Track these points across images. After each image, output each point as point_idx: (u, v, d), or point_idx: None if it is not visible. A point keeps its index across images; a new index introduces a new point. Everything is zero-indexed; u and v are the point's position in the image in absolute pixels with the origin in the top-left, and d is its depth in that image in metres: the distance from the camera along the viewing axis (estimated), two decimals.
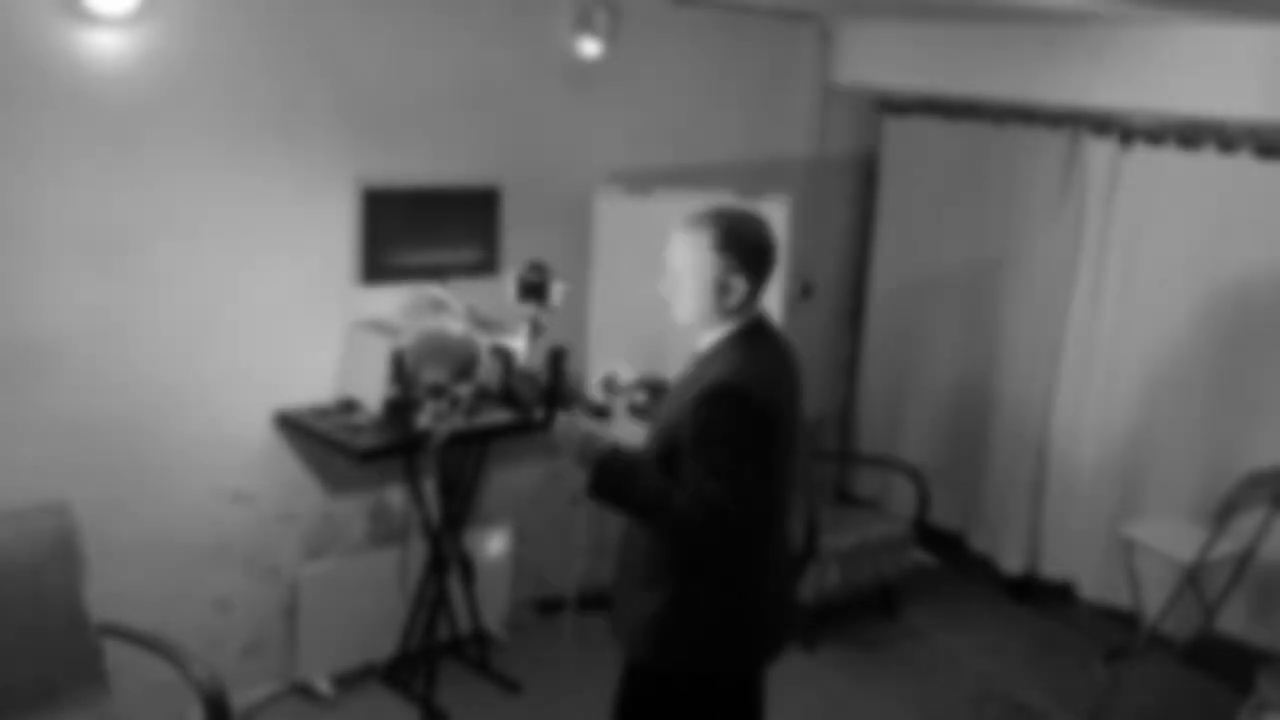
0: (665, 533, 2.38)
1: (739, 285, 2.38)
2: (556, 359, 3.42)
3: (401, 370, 3.68)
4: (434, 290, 3.63)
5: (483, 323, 3.32)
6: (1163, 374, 4.42)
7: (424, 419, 2.99)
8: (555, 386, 3.40)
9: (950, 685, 4.35)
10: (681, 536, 2.36)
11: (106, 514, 3.37)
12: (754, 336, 2.43)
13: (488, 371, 3.39)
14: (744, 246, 2.38)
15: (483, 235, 4.08)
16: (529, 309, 3.04)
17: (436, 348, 3.02)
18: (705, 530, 2.28)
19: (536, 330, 3.05)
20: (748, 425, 2.30)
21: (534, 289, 3.09)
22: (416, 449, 3.57)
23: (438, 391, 2.93)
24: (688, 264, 2.40)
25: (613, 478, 2.38)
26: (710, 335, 2.44)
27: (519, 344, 3.14)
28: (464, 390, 3.10)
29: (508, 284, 3.39)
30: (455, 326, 3.05)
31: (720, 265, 2.37)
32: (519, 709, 3.98)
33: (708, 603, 2.43)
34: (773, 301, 4.26)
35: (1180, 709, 4.21)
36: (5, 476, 3.16)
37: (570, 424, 2.50)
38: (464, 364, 3.04)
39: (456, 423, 3.23)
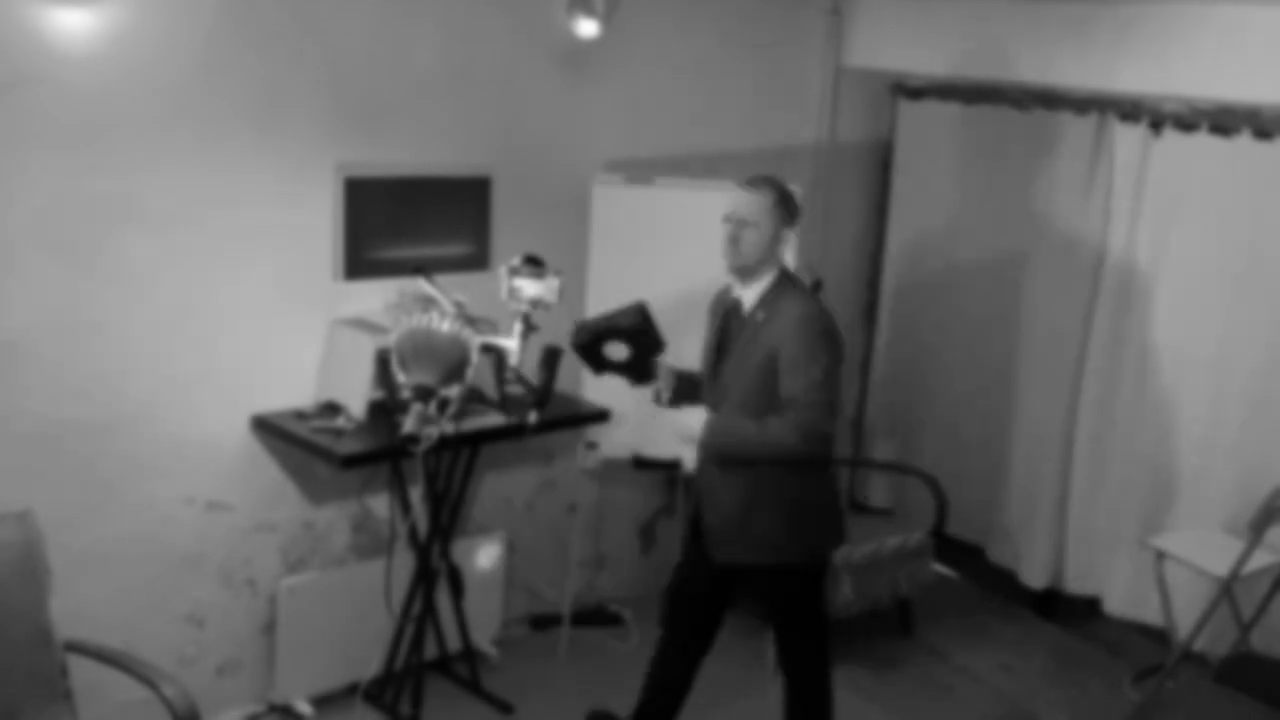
0: (782, 455, 3.13)
1: (786, 239, 3.24)
2: (551, 358, 3.41)
3: (387, 371, 3.67)
4: (422, 285, 3.62)
5: (473, 320, 3.31)
6: (1193, 375, 4.41)
7: (410, 423, 2.97)
8: (549, 387, 3.39)
9: (970, 705, 4.35)
10: (796, 451, 3.11)
11: (73, 523, 3.36)
12: (794, 278, 3.30)
13: (479, 372, 3.38)
14: (793, 207, 3.27)
15: (473, 228, 4.08)
16: (522, 305, 3.02)
17: (423, 347, 3.01)
18: (811, 441, 3.10)
19: (529, 328, 3.03)
20: (833, 338, 3.17)
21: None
22: (402, 454, 3.57)
23: (425, 394, 2.91)
24: (754, 217, 3.19)
25: (720, 435, 3.20)
26: (757, 284, 3.23)
27: (511, 343, 3.13)
28: (453, 392, 3.09)
29: (500, 278, 3.38)
30: (444, 325, 3.04)
31: (779, 220, 3.21)
32: None
33: (810, 501, 3.29)
34: None
35: None
36: None
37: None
38: (454, 365, 3.03)
39: (445, 427, 3.23)
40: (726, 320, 3.32)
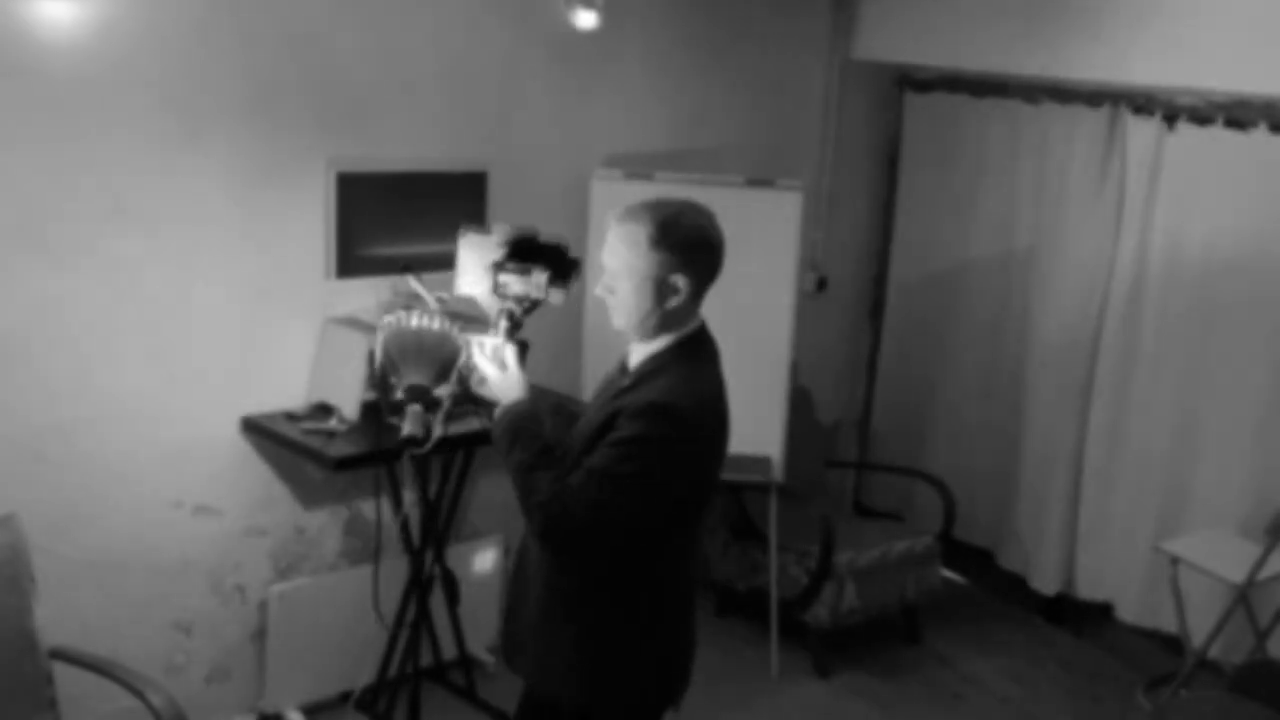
0: (524, 508, 2.40)
1: (681, 287, 2.37)
2: (521, 352, 3.35)
3: (383, 372, 3.66)
4: (410, 281, 3.63)
5: (456, 317, 3.30)
6: (1209, 377, 4.41)
7: (409, 425, 2.95)
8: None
9: (978, 714, 4.35)
10: (532, 517, 2.36)
11: (57, 528, 3.36)
12: (698, 350, 2.46)
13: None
14: (683, 243, 2.37)
15: (468, 224, 4.06)
16: (507, 303, 2.96)
17: (411, 347, 2.99)
18: (553, 520, 2.31)
19: (515, 327, 2.99)
20: (675, 448, 2.33)
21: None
22: (398, 457, 3.57)
23: (420, 394, 2.89)
24: (623, 263, 2.40)
25: (520, 420, 2.46)
26: (648, 345, 2.45)
27: (497, 342, 3.11)
28: (443, 391, 3.08)
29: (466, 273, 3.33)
30: (431, 323, 3.02)
31: (658, 264, 2.36)
32: None
33: (627, 633, 2.47)
34: (784, 297, 4.26)
35: None
36: None
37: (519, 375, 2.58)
38: (445, 363, 3.02)
39: (437, 429, 3.22)
40: (615, 369, 2.62)
